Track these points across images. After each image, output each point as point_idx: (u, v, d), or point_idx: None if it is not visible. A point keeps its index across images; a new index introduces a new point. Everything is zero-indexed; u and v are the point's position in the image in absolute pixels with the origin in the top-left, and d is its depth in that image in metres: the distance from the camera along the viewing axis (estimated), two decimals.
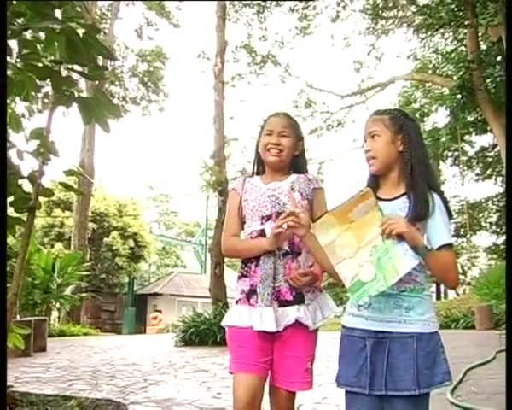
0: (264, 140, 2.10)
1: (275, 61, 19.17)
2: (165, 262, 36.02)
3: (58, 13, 2.48)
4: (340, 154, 23.83)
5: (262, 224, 2.02)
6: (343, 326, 1.75)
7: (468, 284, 20.36)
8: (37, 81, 2.71)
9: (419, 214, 1.64)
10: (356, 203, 1.62)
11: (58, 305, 11.71)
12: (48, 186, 3.00)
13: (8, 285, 2.58)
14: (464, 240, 22.73)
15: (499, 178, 21.18)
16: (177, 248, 37.44)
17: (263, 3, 17.80)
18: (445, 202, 1.71)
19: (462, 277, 21.29)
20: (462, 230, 21.80)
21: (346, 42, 19.02)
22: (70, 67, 2.78)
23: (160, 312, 23.46)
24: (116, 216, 22.73)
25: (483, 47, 15.76)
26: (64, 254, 13.36)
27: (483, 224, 22.84)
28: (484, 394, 3.78)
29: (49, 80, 2.73)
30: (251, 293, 1.97)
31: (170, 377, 5.25)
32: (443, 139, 18.97)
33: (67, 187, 3.40)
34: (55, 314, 15.23)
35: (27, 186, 2.83)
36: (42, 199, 2.84)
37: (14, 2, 2.50)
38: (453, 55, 16.65)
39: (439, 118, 20.07)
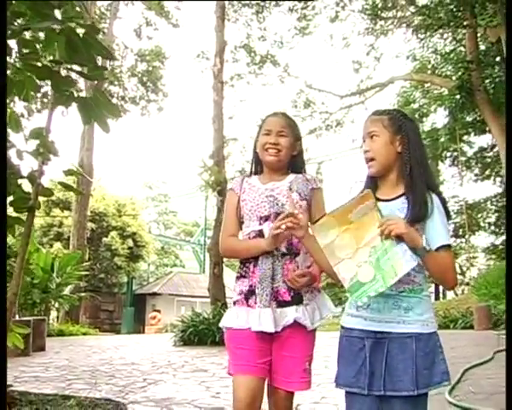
0: (262, 140, 2.09)
1: (274, 61, 19.18)
2: (163, 262, 35.97)
3: (58, 13, 2.48)
4: (339, 154, 23.88)
5: (260, 224, 2.00)
6: (342, 327, 1.75)
7: (467, 284, 20.38)
8: (37, 81, 2.71)
9: (418, 215, 1.64)
10: (356, 205, 1.62)
11: (57, 305, 11.71)
12: (47, 186, 3.00)
13: (7, 285, 2.58)
14: (463, 240, 22.78)
15: (498, 179, 21.23)
16: (175, 248, 37.41)
17: (262, 3, 17.81)
18: (444, 202, 1.70)
19: (460, 277, 21.32)
20: (460, 230, 21.82)
21: (345, 42, 19.09)
22: (69, 67, 2.77)
23: (158, 311, 23.46)
24: (115, 216, 22.72)
25: (482, 47, 15.79)
26: (63, 253, 13.35)
27: (482, 224, 22.90)
28: (482, 394, 3.78)
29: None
30: (250, 294, 1.97)
31: (169, 377, 5.25)
32: (442, 140, 18.98)
33: (67, 187, 3.41)
34: (53, 314, 15.26)
35: (27, 186, 2.83)
36: (41, 199, 2.84)
37: (14, 2, 2.50)
38: (452, 55, 16.68)
39: (438, 118, 20.17)
